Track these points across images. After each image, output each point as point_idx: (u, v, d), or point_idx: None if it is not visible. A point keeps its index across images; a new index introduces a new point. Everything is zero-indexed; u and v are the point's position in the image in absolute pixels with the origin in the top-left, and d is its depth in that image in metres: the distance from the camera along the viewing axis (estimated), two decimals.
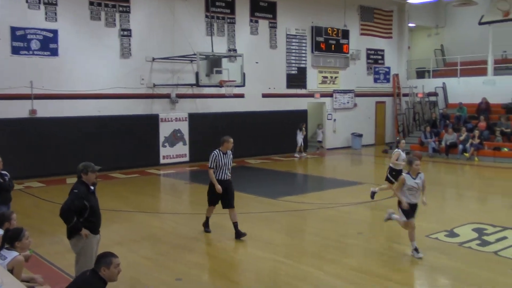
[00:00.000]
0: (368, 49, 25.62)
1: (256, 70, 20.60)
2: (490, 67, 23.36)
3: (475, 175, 17.95)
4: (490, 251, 8.32)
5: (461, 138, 20.59)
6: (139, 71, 17.94)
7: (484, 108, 22.31)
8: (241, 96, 20.30)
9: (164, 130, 18.66)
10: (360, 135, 24.72)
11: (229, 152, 9.06)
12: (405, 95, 26.40)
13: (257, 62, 20.75)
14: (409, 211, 8.02)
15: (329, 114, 24.08)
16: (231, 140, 9.02)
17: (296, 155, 21.52)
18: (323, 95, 23.78)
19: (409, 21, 26.75)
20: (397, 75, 26.65)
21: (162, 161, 18.61)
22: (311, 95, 23.30)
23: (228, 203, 9.04)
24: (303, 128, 21.80)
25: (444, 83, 24.73)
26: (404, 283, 7.25)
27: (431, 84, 25.38)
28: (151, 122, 18.31)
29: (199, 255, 8.36)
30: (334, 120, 24.12)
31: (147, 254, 8.32)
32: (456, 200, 13.91)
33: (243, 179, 15.91)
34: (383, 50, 26.31)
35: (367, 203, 12.28)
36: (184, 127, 19.14)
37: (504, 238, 9.02)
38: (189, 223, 10.49)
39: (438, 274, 7.53)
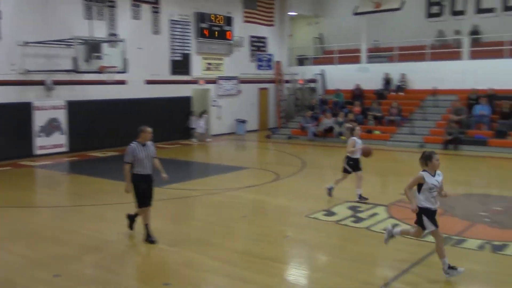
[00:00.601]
0: (251, 37, 26.04)
1: (139, 56, 20.06)
2: (363, 55, 24.90)
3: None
4: (363, 227, 8.94)
5: (339, 121, 21.74)
6: (9, 56, 16.66)
7: (358, 94, 23.76)
8: (123, 82, 19.68)
9: (39, 119, 17.54)
10: (244, 121, 25.17)
11: (149, 143, 8.18)
12: (287, 81, 27.30)
13: (139, 48, 20.21)
14: (434, 216, 6.67)
15: (213, 100, 24.18)
16: (149, 129, 8.15)
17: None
18: (208, 81, 23.82)
19: (290, 9, 27.58)
20: (279, 62, 27.42)
21: (37, 152, 17.51)
22: (195, 81, 23.22)
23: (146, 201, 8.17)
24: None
25: (323, 70, 25.94)
26: (285, 262, 7.57)
27: (311, 71, 26.51)
28: (24, 110, 17.12)
29: (80, 249, 8.01)
30: (218, 106, 24.24)
31: (22, 252, 7.82)
32: (333, 181, 14.68)
33: None
34: (265, 38, 26.90)
35: (251, 188, 12.58)
36: (62, 116, 18.14)
37: (375, 214, 9.73)
38: (67, 216, 10.02)
39: (317, 251, 7.96)
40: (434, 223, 6.58)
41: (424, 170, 6.65)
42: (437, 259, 7.19)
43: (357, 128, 11.05)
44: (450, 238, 8.15)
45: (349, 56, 25.24)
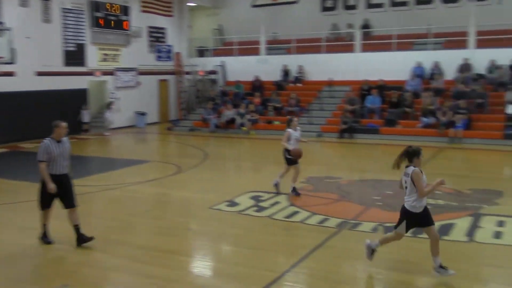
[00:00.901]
0: (149, 27, 25.45)
1: (29, 46, 18.86)
2: (263, 47, 25.31)
3: (252, 147, 19.37)
4: (266, 216, 9.11)
5: (240, 113, 21.95)
6: None
7: (258, 85, 24.13)
8: (11, 74, 18.40)
9: None
10: (144, 114, 24.63)
11: (65, 139, 7.54)
12: (188, 73, 27.05)
13: (28, 37, 18.98)
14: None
15: (111, 93, 23.37)
16: (64, 124, 7.47)
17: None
18: (105, 73, 22.96)
19: (189, 0, 27.29)
20: (179, 53, 27.09)
21: None
22: (91, 73, 22.28)
23: (69, 203, 7.51)
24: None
25: (223, 62, 26.01)
26: (189, 254, 7.55)
27: (211, 62, 26.49)
28: None
29: None
30: (117, 98, 23.47)
31: None
32: (236, 172, 14.87)
33: (16, 166, 14.62)
34: (164, 28, 26.43)
35: (153, 181, 12.35)
36: None
37: (277, 203, 9.95)
38: None
39: (221, 242, 8.00)
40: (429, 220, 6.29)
41: (410, 166, 6.24)
42: (336, 243, 7.55)
43: (295, 119, 10.63)
44: (347, 222, 8.55)
45: (249, 48, 25.53)
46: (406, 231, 6.43)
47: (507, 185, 12.08)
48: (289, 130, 10.37)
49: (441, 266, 6.28)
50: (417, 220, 6.29)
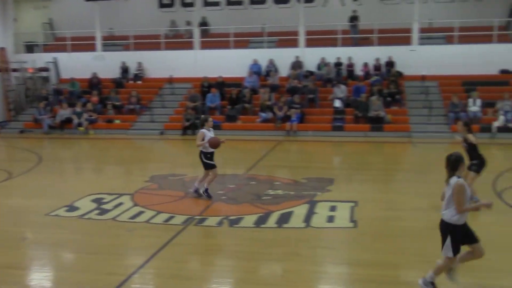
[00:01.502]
0: None
1: None
2: (98, 43, 24.25)
3: (92, 148, 18.51)
4: (109, 218, 8.77)
5: (77, 112, 20.80)
6: None
7: (95, 83, 23.10)
8: None
9: None
10: None
11: None
12: (15, 70, 24.79)
13: None
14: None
15: None
16: None
17: None
18: None
19: None
20: (3, 49, 24.72)
21: None
22: None
23: None
24: None
25: (55, 58, 24.37)
26: (25, 267, 6.95)
27: (42, 58, 24.56)
28: None
29: None
30: None
31: None
32: (75, 174, 14.07)
33: None
34: None
35: None
36: None
37: (121, 204, 9.64)
38: None
39: (60, 250, 7.51)
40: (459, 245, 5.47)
41: (454, 176, 5.44)
42: (183, 240, 7.56)
43: (210, 119, 10.04)
44: (193, 219, 8.61)
45: (84, 44, 24.28)
46: (455, 252, 5.44)
47: (337, 172, 13.21)
48: (203, 130, 9.80)
49: (433, 284, 5.65)
50: (462, 233, 5.46)
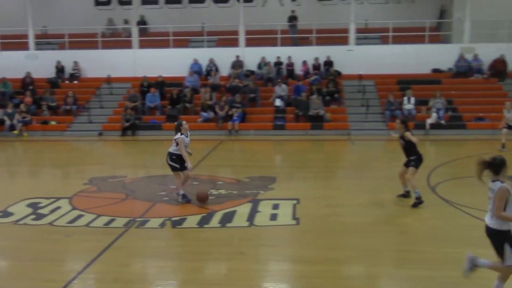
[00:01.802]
0: None
1: None
2: (31, 41, 23.32)
3: (26, 151, 17.80)
4: (46, 223, 8.45)
5: (9, 112, 19.90)
6: None
7: (29, 83, 22.19)
8: None
9: None
10: None
11: None
12: None
13: None
14: None
15: None
16: None
17: None
18: None
19: None
20: None
21: None
22: None
23: None
24: None
25: None
26: None
27: None
28: None
29: None
30: None
31: None
32: (8, 179, 13.44)
33: None
34: None
35: None
36: None
37: (58, 208, 9.30)
38: None
39: None
40: None
41: (496, 180, 5.16)
42: (124, 243, 7.42)
43: (184, 123, 9.51)
44: (134, 221, 8.44)
45: (15, 42, 23.29)
46: None
47: (279, 171, 13.33)
48: (182, 136, 9.34)
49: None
50: None
